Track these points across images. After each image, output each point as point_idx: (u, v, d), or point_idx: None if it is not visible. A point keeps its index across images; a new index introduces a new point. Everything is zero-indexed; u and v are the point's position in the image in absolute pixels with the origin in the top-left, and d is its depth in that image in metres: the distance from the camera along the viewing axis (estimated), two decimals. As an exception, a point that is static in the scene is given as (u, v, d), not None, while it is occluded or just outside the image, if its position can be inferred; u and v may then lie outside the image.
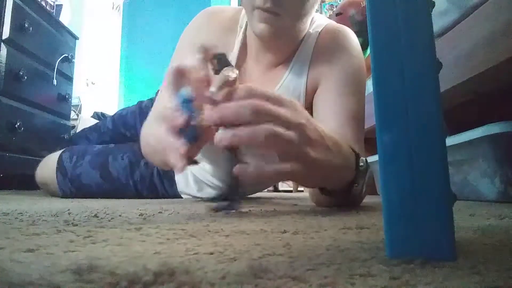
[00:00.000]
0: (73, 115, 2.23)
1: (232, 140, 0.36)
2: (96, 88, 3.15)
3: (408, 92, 0.23)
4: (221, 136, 0.37)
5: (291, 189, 2.79)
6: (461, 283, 0.17)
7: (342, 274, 0.18)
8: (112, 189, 0.99)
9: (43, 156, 1.10)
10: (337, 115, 0.67)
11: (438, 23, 0.97)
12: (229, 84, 0.37)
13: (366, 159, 0.55)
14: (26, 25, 1.58)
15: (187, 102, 0.39)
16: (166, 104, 0.42)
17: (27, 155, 1.60)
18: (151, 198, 0.99)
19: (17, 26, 1.54)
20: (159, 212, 0.52)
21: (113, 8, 3.62)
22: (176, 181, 1.02)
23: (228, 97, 0.37)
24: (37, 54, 1.71)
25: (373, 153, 1.11)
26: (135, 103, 1.29)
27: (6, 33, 1.49)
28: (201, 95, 0.39)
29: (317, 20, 0.78)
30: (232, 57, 0.75)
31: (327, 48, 0.74)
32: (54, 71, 1.84)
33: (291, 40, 0.74)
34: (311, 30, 0.76)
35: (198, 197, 1.00)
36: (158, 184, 1.02)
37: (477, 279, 0.17)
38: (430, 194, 0.21)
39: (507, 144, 0.80)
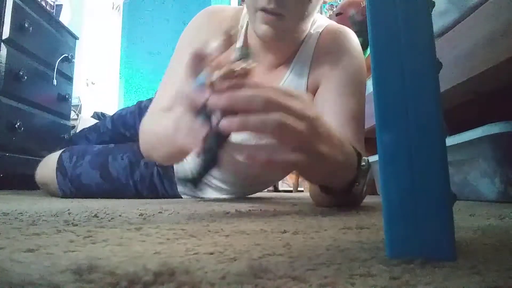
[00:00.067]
0: (73, 115, 2.23)
1: (240, 126, 0.36)
2: (96, 88, 3.15)
3: (408, 92, 0.23)
4: (230, 121, 0.36)
5: (291, 189, 2.79)
6: (461, 283, 0.17)
7: (342, 274, 0.18)
8: (112, 189, 0.99)
9: (43, 156, 1.10)
10: (338, 115, 0.67)
11: (438, 23, 0.97)
12: (241, 75, 0.37)
13: (368, 159, 0.55)
14: (26, 25, 1.58)
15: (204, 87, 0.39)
16: (183, 87, 0.42)
17: (27, 155, 1.60)
18: (151, 198, 0.99)
19: (17, 26, 1.54)
20: (159, 212, 0.52)
21: (113, 8, 3.62)
22: (176, 181, 1.02)
23: (232, 88, 0.37)
24: (37, 54, 1.71)
25: (373, 153, 1.11)
26: (135, 103, 1.29)
27: (6, 33, 1.49)
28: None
29: (318, 21, 0.78)
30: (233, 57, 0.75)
31: (328, 48, 0.74)
32: (54, 71, 1.84)
33: (293, 41, 0.74)
34: (312, 31, 0.76)
35: (198, 197, 1.00)
36: (158, 184, 1.02)
37: (477, 279, 0.17)
38: (430, 194, 0.21)
39: (507, 144, 0.80)
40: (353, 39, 0.76)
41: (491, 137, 0.82)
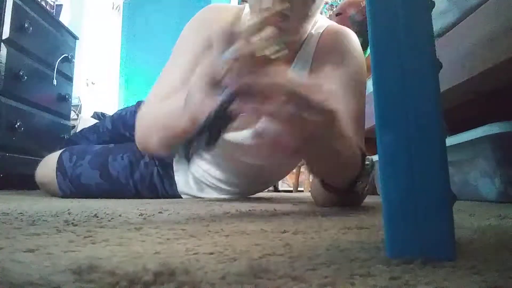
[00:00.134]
0: (73, 115, 2.23)
1: (254, 110, 0.35)
2: (96, 88, 3.15)
3: (408, 92, 0.23)
4: (245, 102, 0.35)
5: (291, 189, 2.79)
6: (461, 283, 0.17)
7: (342, 274, 0.18)
8: (112, 189, 0.99)
9: (43, 156, 1.10)
10: None
11: (438, 23, 0.97)
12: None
13: (372, 158, 0.56)
14: (26, 25, 1.58)
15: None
16: (208, 64, 0.42)
17: (27, 155, 1.60)
18: (151, 198, 0.99)
19: (17, 26, 1.54)
20: (159, 212, 0.52)
21: (113, 8, 3.62)
22: (176, 181, 1.02)
23: (254, 71, 0.36)
24: (37, 54, 1.71)
25: (373, 153, 1.11)
26: (135, 103, 1.29)
27: (6, 33, 1.48)
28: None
29: (319, 21, 0.79)
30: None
31: (329, 49, 0.74)
32: (54, 71, 1.84)
33: (294, 41, 0.74)
34: (313, 31, 0.76)
35: (198, 197, 1.00)
36: (158, 184, 1.02)
37: (477, 279, 0.17)
38: (430, 194, 0.21)
39: (507, 144, 0.80)
40: (354, 39, 0.76)
41: (491, 137, 0.82)
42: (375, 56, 0.24)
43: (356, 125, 0.68)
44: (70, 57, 1.99)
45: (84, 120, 2.27)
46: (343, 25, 0.81)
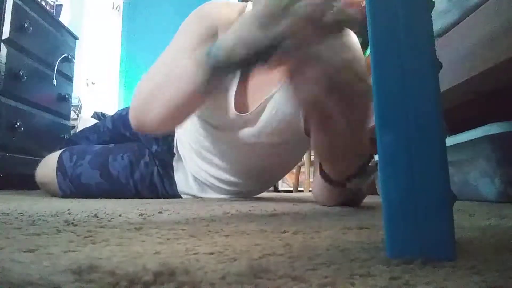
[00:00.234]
0: (73, 115, 2.23)
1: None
2: (96, 88, 3.15)
3: (408, 92, 0.23)
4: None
5: (291, 189, 2.79)
6: (461, 283, 0.17)
7: (342, 274, 0.18)
8: (112, 189, 0.99)
9: (43, 156, 1.10)
10: None
11: (438, 23, 0.97)
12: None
13: (376, 161, 0.56)
14: (26, 25, 1.58)
15: None
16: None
17: (27, 155, 1.60)
18: (151, 198, 0.99)
19: (17, 26, 1.54)
20: (159, 212, 0.52)
21: (113, 8, 3.62)
22: (176, 181, 1.02)
23: None
24: (37, 54, 1.71)
25: (373, 153, 1.11)
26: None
27: (6, 33, 1.49)
28: None
29: None
30: None
31: None
32: (54, 71, 1.84)
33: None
34: None
35: (198, 197, 1.00)
36: (158, 184, 1.02)
37: (477, 279, 0.17)
38: (430, 194, 0.21)
39: (507, 144, 0.80)
40: (354, 39, 0.76)
41: (491, 137, 0.82)
42: (375, 56, 0.24)
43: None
44: (70, 57, 1.99)
45: (84, 120, 2.27)
46: (343, 25, 0.81)
